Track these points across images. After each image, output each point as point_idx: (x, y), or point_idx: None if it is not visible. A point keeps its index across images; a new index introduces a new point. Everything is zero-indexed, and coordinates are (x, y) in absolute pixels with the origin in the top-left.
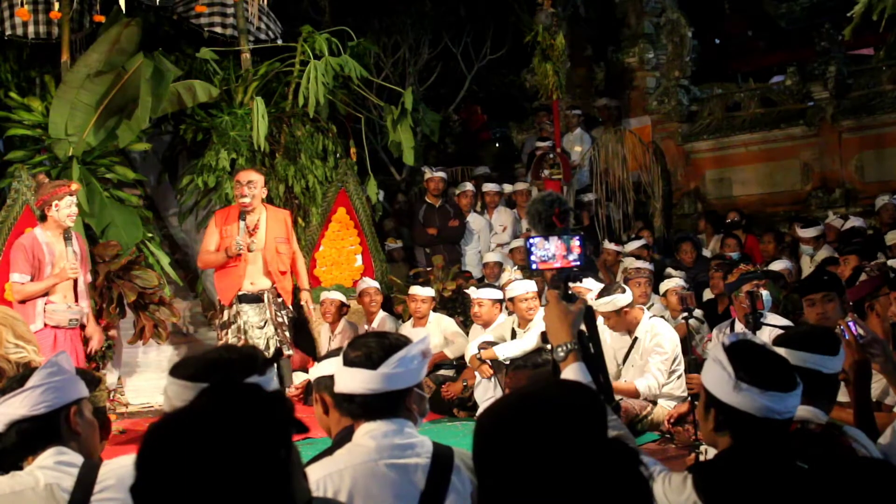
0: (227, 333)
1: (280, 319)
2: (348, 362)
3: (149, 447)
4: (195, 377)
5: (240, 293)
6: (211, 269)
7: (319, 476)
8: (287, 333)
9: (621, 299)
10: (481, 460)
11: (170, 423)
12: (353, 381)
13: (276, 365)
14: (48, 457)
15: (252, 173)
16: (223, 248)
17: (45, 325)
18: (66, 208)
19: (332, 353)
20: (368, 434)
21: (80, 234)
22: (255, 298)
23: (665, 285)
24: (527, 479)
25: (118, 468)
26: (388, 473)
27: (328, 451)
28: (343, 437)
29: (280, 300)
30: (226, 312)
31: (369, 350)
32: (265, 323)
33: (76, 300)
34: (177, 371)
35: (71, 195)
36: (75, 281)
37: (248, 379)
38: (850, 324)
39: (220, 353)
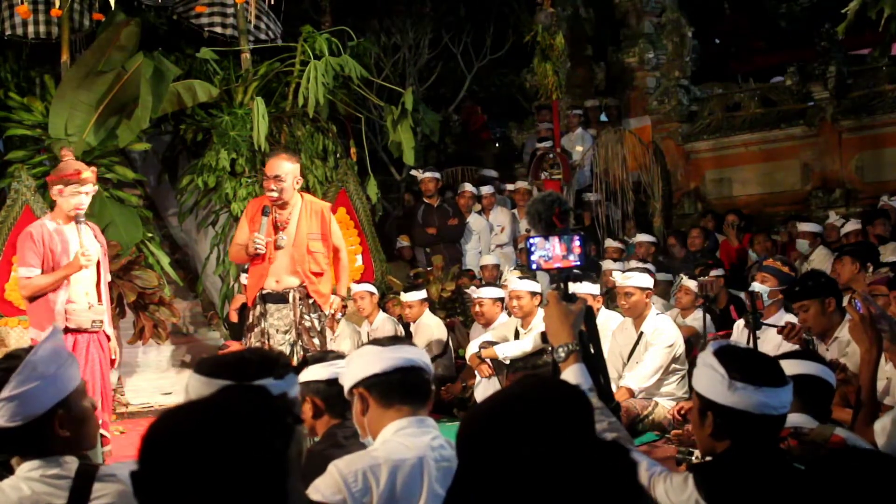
0: (250, 337)
1: (307, 324)
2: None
3: (147, 437)
4: (211, 373)
5: (263, 292)
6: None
7: (356, 468)
8: (315, 340)
9: (646, 279)
10: (464, 459)
11: (167, 415)
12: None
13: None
14: (34, 469)
15: (282, 163)
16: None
17: (66, 328)
18: (70, 196)
19: (322, 357)
20: (401, 430)
21: (98, 230)
22: (280, 298)
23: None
24: (509, 479)
25: (114, 483)
26: (422, 470)
27: (314, 449)
28: (327, 437)
29: (311, 302)
30: (250, 314)
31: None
32: (290, 327)
33: (99, 300)
34: (197, 367)
35: (80, 183)
36: (99, 277)
37: (261, 380)
38: (859, 301)
39: (244, 353)
